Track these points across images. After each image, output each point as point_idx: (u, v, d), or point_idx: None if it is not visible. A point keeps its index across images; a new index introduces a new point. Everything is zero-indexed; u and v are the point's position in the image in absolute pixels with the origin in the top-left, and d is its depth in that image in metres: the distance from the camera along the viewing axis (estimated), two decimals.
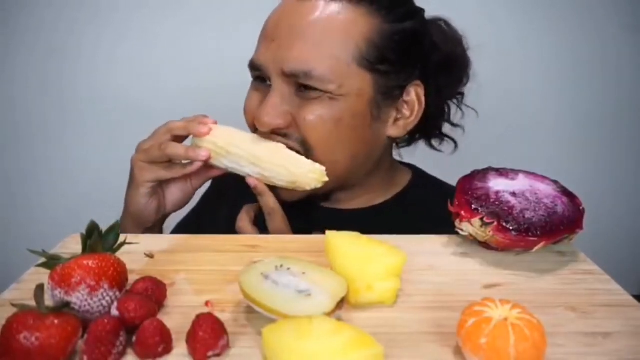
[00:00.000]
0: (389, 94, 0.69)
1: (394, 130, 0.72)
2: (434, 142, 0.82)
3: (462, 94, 0.80)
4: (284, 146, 0.66)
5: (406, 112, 0.71)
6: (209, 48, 1.29)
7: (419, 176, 0.81)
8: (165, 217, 0.73)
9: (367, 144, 0.71)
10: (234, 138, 0.66)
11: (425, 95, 0.71)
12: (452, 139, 0.81)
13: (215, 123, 0.67)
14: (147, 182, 0.67)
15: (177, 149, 0.65)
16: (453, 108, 0.80)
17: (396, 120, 0.71)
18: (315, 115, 0.66)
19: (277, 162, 0.64)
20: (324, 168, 0.64)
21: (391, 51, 0.68)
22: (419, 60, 0.71)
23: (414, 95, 0.71)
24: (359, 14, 0.67)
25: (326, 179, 0.64)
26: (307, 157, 0.66)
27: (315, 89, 0.65)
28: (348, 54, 0.66)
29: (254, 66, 0.70)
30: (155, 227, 0.73)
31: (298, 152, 0.67)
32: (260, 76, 0.70)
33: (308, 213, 0.73)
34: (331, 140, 0.67)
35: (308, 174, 0.63)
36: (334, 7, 0.66)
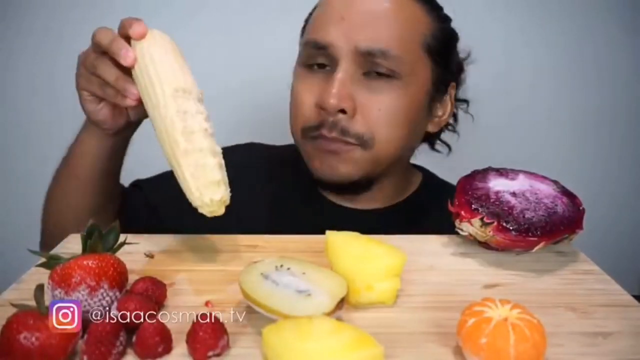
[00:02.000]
0: (439, 90, 0.71)
1: (432, 126, 0.74)
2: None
3: (467, 102, 0.81)
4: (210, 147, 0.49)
5: (439, 111, 0.74)
6: (215, 52, 1.28)
7: (429, 178, 0.81)
8: (133, 125, 0.64)
9: (415, 137, 0.72)
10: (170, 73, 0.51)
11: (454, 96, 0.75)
12: (447, 144, 0.83)
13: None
14: (83, 91, 0.59)
15: (106, 73, 0.55)
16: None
17: (433, 116, 0.73)
18: (390, 103, 0.65)
19: (186, 162, 0.49)
20: (222, 210, 0.49)
21: (445, 47, 0.71)
22: (453, 62, 0.74)
23: (448, 97, 0.73)
24: (423, 9, 0.70)
25: (216, 214, 0.49)
26: (364, 149, 0.65)
27: (387, 75, 0.65)
28: (417, 39, 0.67)
29: (318, 45, 0.67)
30: (120, 135, 0.64)
31: (355, 146, 0.65)
32: (316, 63, 0.68)
33: (323, 212, 0.73)
34: (395, 131, 0.67)
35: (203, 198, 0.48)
36: (407, 0, 0.69)
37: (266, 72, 1.02)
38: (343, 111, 0.64)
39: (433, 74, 0.70)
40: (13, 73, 1.23)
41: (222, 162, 0.50)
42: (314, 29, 0.69)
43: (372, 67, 0.65)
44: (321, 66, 0.67)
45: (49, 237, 0.73)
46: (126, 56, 0.52)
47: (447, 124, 0.80)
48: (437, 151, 0.83)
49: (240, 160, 0.81)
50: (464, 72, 0.79)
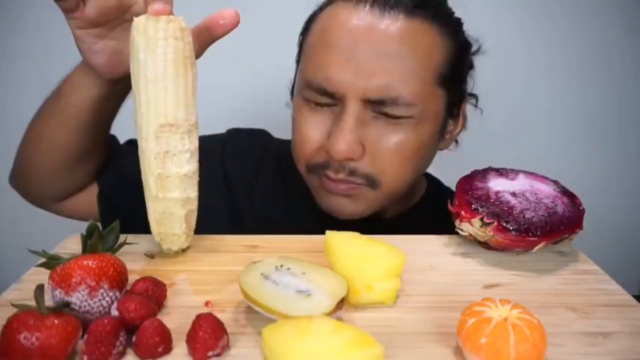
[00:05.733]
0: (452, 112, 0.68)
1: (443, 143, 0.71)
2: None
3: (476, 97, 0.77)
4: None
5: (451, 125, 0.70)
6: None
7: (435, 186, 0.80)
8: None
9: (425, 166, 0.70)
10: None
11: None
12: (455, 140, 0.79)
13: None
14: (76, 29, 0.54)
15: None
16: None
17: (445, 136, 0.71)
18: (399, 143, 0.62)
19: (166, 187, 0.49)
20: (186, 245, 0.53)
21: (458, 68, 0.66)
22: (466, 73, 0.70)
23: (460, 110, 0.71)
24: (436, 32, 0.63)
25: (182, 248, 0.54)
26: (372, 188, 0.64)
27: (400, 116, 0.61)
28: (431, 73, 0.62)
29: (322, 90, 0.62)
30: (118, 85, 0.60)
31: (363, 185, 0.63)
32: (319, 102, 0.63)
33: (325, 215, 0.70)
34: (405, 168, 0.64)
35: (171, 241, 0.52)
36: (416, 26, 0.62)
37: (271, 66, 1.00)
38: (352, 159, 0.62)
39: (447, 103, 0.66)
40: (6, 74, 1.23)
41: (194, 207, 0.51)
42: (315, 68, 0.63)
43: (382, 111, 0.61)
44: (326, 104, 0.63)
45: (18, 172, 0.72)
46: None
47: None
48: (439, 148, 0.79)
49: (244, 146, 0.80)
50: (473, 68, 0.75)
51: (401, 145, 0.63)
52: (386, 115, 0.62)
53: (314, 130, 0.64)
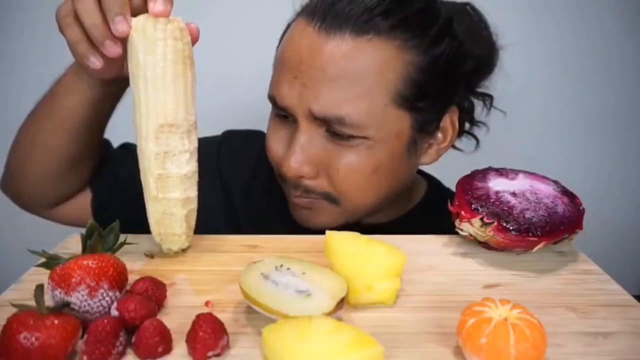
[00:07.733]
0: (426, 129, 0.65)
1: (427, 157, 0.69)
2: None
3: (491, 97, 0.75)
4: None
5: (439, 138, 0.68)
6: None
7: (434, 187, 0.79)
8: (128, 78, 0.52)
9: (401, 180, 0.68)
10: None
11: (459, 115, 0.68)
12: (475, 137, 0.76)
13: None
14: (65, 32, 0.52)
15: (87, 16, 0.48)
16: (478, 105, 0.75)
17: (429, 146, 0.68)
18: (350, 164, 0.61)
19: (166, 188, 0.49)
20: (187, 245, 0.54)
21: (430, 84, 0.62)
22: (455, 83, 0.66)
23: (449, 122, 0.67)
24: (394, 48, 0.59)
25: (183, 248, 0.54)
26: (332, 203, 0.64)
27: (350, 136, 0.60)
28: (384, 95, 0.60)
29: (276, 105, 0.64)
30: (112, 86, 0.59)
31: (322, 200, 0.64)
32: (278, 112, 0.65)
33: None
34: (365, 188, 0.63)
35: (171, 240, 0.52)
36: (366, 44, 0.59)
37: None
38: (304, 177, 0.63)
39: (413, 122, 0.62)
40: (6, 78, 1.24)
41: (194, 207, 0.52)
42: (273, 82, 0.65)
43: (331, 129, 0.61)
44: (286, 117, 0.64)
45: (10, 178, 0.71)
46: (115, 40, 0.47)
47: (474, 120, 0.75)
48: (457, 149, 0.76)
49: (239, 148, 0.80)
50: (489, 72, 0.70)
51: (355, 167, 0.62)
52: (337, 135, 0.61)
53: (278, 143, 0.66)
